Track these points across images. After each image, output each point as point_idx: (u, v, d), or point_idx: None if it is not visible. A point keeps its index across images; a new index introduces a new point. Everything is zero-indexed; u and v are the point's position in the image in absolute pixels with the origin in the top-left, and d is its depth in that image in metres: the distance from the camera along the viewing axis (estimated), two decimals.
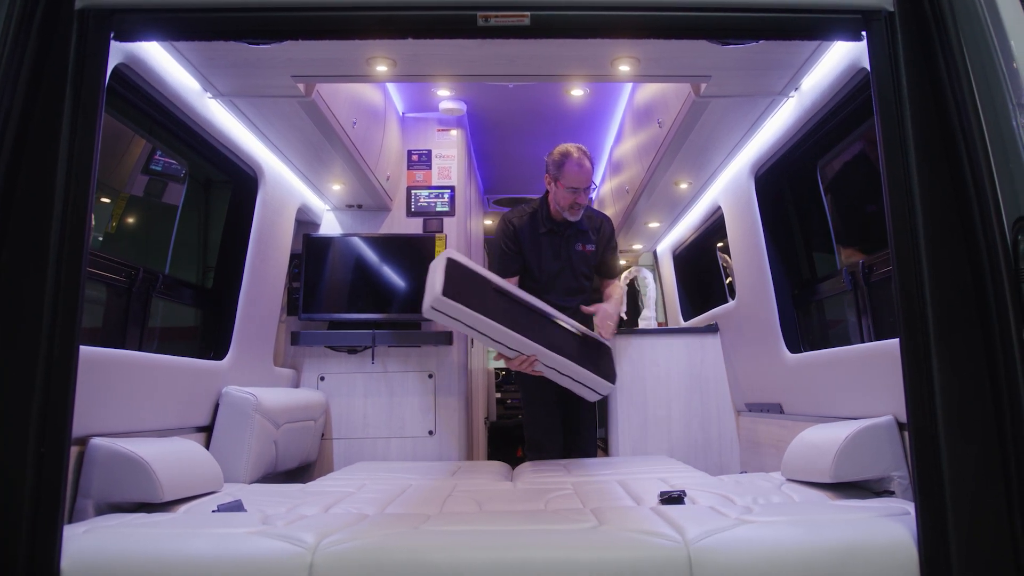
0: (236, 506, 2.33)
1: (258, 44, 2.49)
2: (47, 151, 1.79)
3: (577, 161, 3.76)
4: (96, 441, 2.34)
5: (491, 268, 3.83)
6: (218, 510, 2.29)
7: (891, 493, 2.47)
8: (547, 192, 3.94)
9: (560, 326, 3.59)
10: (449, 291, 3.17)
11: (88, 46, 1.86)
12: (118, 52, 2.30)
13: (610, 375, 3.61)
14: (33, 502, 1.68)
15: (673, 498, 2.40)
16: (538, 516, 2.15)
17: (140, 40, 2.14)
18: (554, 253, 3.94)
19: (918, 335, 1.79)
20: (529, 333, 3.36)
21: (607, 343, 3.76)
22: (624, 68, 2.74)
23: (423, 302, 3.24)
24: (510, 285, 3.61)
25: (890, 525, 1.84)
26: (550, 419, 4.04)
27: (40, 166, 1.79)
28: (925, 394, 1.77)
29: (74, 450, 2.24)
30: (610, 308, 3.88)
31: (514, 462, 4.08)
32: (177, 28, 2.02)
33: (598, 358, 3.64)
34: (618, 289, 4.09)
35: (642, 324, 5.04)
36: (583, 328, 3.72)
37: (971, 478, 1.72)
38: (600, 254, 4.05)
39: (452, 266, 3.31)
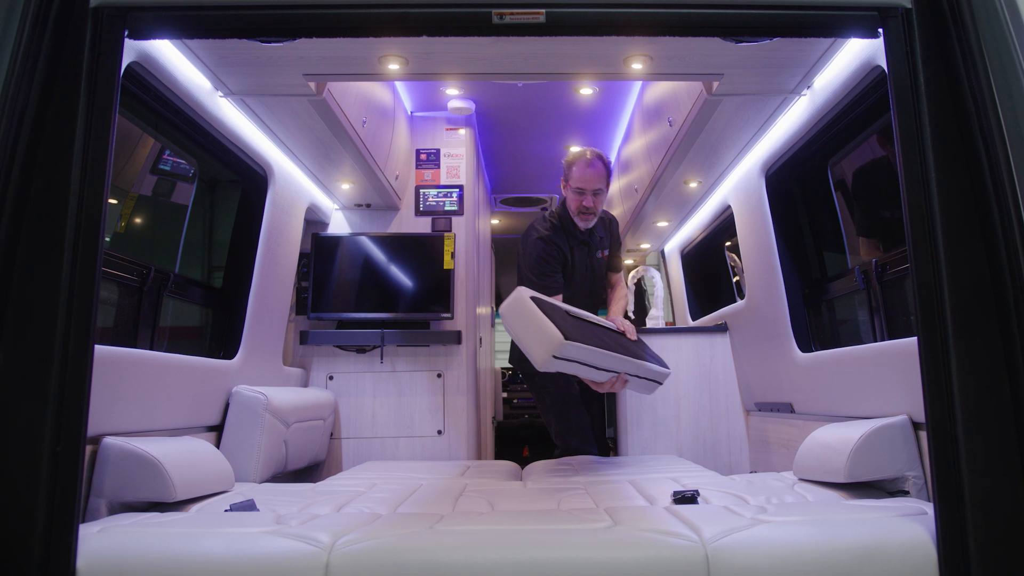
0: (249, 505, 2.33)
1: (271, 42, 2.49)
2: (62, 149, 1.79)
3: (587, 162, 3.62)
4: (109, 440, 2.34)
5: (536, 289, 3.38)
6: (231, 509, 2.29)
7: (905, 493, 2.46)
8: (563, 201, 3.80)
9: (620, 333, 3.44)
10: (566, 333, 2.81)
11: (103, 44, 1.86)
12: (131, 51, 2.30)
13: (662, 362, 3.51)
14: (48, 501, 1.68)
15: (687, 498, 2.39)
16: (552, 516, 2.14)
17: (154, 38, 2.13)
18: (583, 265, 3.84)
19: (936, 333, 1.78)
20: (619, 350, 3.11)
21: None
22: (637, 66, 2.73)
23: (534, 357, 2.86)
24: (574, 308, 3.32)
25: (908, 525, 1.83)
26: (583, 421, 3.96)
27: (55, 164, 1.79)
28: (943, 392, 1.76)
29: (87, 449, 2.24)
30: (621, 309, 3.86)
31: (520, 462, 4.07)
32: (191, 26, 2.02)
33: (649, 350, 3.54)
34: (623, 286, 4.06)
35: (650, 324, 5.03)
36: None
37: (990, 477, 1.70)
38: (611, 255, 4.02)
39: (544, 306, 2.94)
